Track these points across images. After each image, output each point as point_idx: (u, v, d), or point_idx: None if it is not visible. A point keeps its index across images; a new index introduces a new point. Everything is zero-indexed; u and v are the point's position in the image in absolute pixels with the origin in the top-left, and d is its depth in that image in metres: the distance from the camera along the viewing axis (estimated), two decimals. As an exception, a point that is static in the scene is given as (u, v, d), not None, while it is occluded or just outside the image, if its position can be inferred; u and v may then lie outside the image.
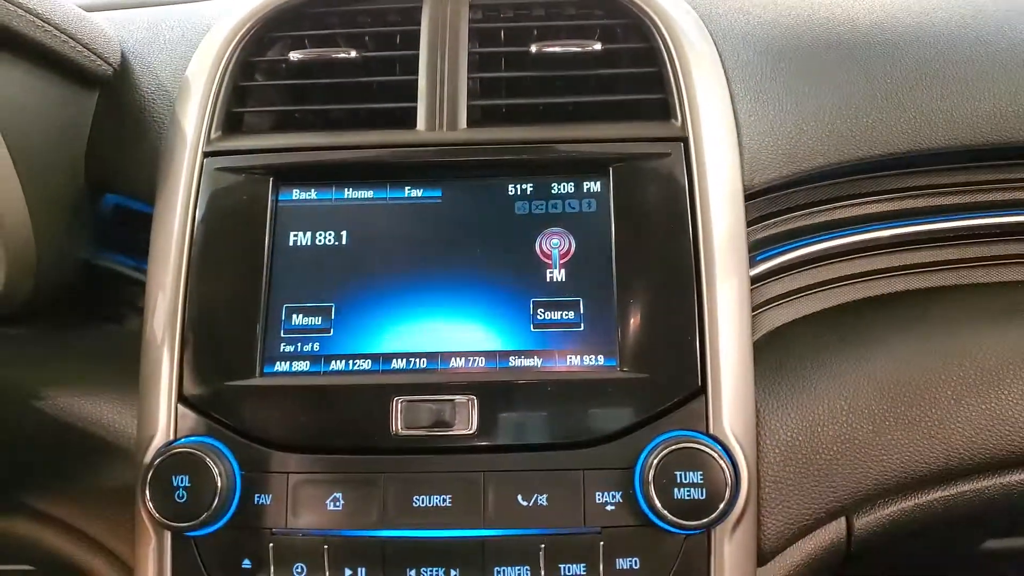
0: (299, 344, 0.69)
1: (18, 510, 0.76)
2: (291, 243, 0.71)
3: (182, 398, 0.68)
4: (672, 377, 0.65)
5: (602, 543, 0.63)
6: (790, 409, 0.69)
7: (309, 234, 0.72)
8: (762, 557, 0.67)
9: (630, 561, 0.63)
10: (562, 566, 0.63)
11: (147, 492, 0.64)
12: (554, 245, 0.70)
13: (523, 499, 0.64)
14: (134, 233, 0.81)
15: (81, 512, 0.74)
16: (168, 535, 0.66)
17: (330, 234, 0.71)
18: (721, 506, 0.61)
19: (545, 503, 0.64)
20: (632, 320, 0.66)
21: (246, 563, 0.65)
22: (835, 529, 0.69)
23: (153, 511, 0.64)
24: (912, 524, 0.70)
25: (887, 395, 0.69)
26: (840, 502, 0.68)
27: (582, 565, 0.63)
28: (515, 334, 0.68)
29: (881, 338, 0.72)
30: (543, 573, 0.63)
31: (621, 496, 0.64)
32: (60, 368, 0.77)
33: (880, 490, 0.69)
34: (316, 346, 0.69)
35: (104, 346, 0.80)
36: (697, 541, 0.64)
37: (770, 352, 0.72)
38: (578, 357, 0.67)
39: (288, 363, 0.68)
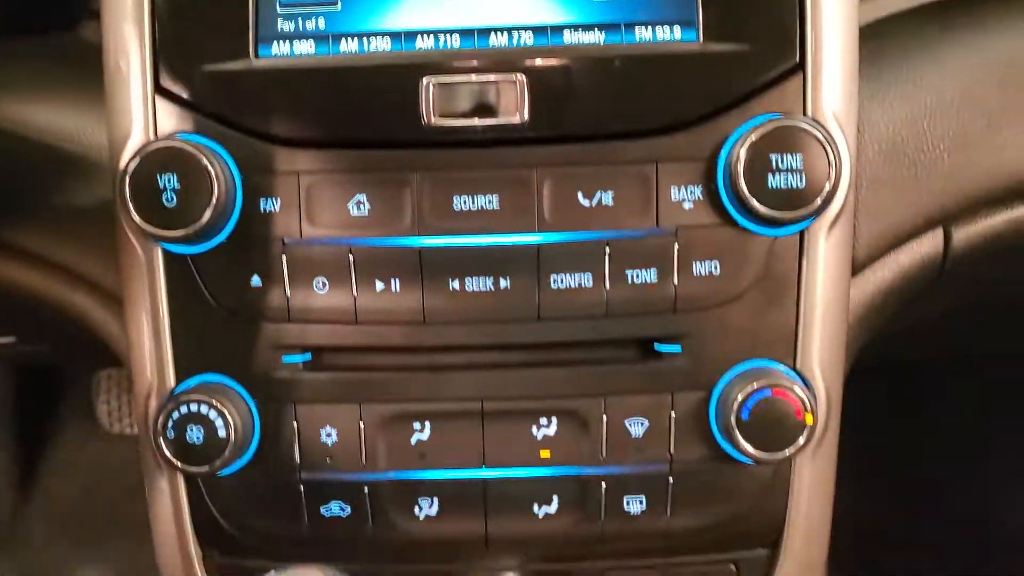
0: (300, 21, 0.55)
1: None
2: None
3: (160, 89, 0.55)
4: (765, 50, 0.53)
5: (677, 246, 0.54)
6: (893, 100, 0.58)
7: None
8: (854, 267, 0.59)
9: (709, 265, 0.54)
10: (629, 272, 0.54)
11: (128, 198, 0.53)
12: None
13: (584, 197, 0.54)
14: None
15: (52, 240, 0.63)
16: (159, 252, 0.56)
17: None
18: (822, 195, 0.52)
19: (611, 202, 0.54)
20: None
21: (255, 280, 0.56)
22: (931, 241, 0.61)
23: (137, 220, 0.53)
24: (1015, 239, 0.62)
25: (1006, 85, 0.58)
26: (941, 209, 0.59)
27: (652, 271, 0.54)
28: (570, 2, 0.55)
29: (997, 25, 0.61)
30: (608, 281, 0.54)
31: (701, 191, 0.54)
32: (3, 75, 0.63)
33: (986, 197, 0.60)
34: (321, 23, 0.55)
35: (54, 51, 0.66)
36: (788, 242, 0.55)
37: (867, 40, 0.60)
38: (649, 30, 0.54)
39: (288, 43, 0.55)
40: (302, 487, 0.57)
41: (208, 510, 0.59)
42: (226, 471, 0.56)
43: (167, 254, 0.56)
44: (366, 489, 0.57)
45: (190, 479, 0.59)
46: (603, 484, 0.57)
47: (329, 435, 0.57)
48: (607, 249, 0.54)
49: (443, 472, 0.57)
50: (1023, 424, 1.12)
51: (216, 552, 0.60)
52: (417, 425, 0.57)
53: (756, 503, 0.58)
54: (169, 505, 0.60)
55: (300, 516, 0.58)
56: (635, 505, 0.57)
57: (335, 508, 0.58)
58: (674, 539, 0.58)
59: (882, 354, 0.75)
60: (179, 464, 0.55)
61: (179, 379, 0.57)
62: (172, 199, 0.53)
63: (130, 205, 0.53)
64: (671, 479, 0.57)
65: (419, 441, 0.57)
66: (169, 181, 0.53)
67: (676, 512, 0.57)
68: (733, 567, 0.60)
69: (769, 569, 0.60)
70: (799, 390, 0.54)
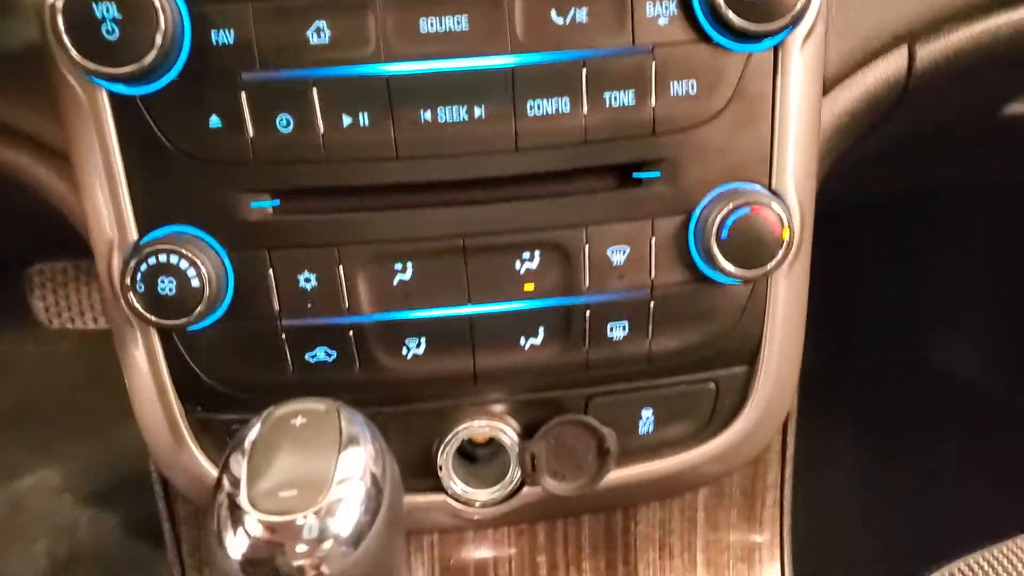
0: None
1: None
2: None
3: None
4: None
5: (654, 64, 0.53)
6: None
7: None
8: (823, 86, 0.59)
9: (686, 85, 0.53)
10: (607, 95, 0.53)
11: (62, 31, 0.48)
12: None
13: (558, 15, 0.52)
14: None
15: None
16: (103, 94, 0.52)
17: None
18: (796, 6, 0.51)
19: (585, 19, 0.52)
20: None
21: (214, 121, 0.52)
22: (896, 60, 0.61)
23: (76, 57, 0.48)
24: (974, 55, 0.63)
25: None
26: (907, 25, 0.59)
27: (630, 92, 0.53)
28: None
29: None
30: (585, 103, 0.53)
31: (676, 6, 0.52)
32: None
33: (949, 11, 0.60)
34: None
35: None
36: (762, 58, 0.54)
37: None
38: None
39: None
40: (284, 335, 0.56)
41: (187, 366, 0.57)
42: (203, 324, 0.55)
43: (113, 97, 0.52)
44: (351, 333, 0.56)
45: (165, 335, 0.57)
46: (587, 312, 0.58)
47: (308, 280, 0.55)
48: (584, 70, 0.52)
49: (429, 311, 0.57)
50: (964, 261, 1.18)
51: (199, 408, 0.60)
52: (399, 265, 0.56)
53: (735, 323, 0.60)
54: (145, 365, 0.58)
55: (284, 364, 0.57)
56: (618, 331, 0.58)
57: (320, 354, 0.57)
58: (656, 361, 0.60)
59: (835, 196, 0.77)
60: (152, 318, 0.53)
61: (142, 231, 0.54)
62: (113, 31, 0.48)
63: (66, 39, 0.48)
64: (653, 303, 0.58)
65: (402, 281, 0.56)
66: (108, 11, 0.48)
67: (658, 335, 0.59)
68: (713, 385, 0.62)
69: (747, 385, 0.63)
70: (777, 206, 0.55)
